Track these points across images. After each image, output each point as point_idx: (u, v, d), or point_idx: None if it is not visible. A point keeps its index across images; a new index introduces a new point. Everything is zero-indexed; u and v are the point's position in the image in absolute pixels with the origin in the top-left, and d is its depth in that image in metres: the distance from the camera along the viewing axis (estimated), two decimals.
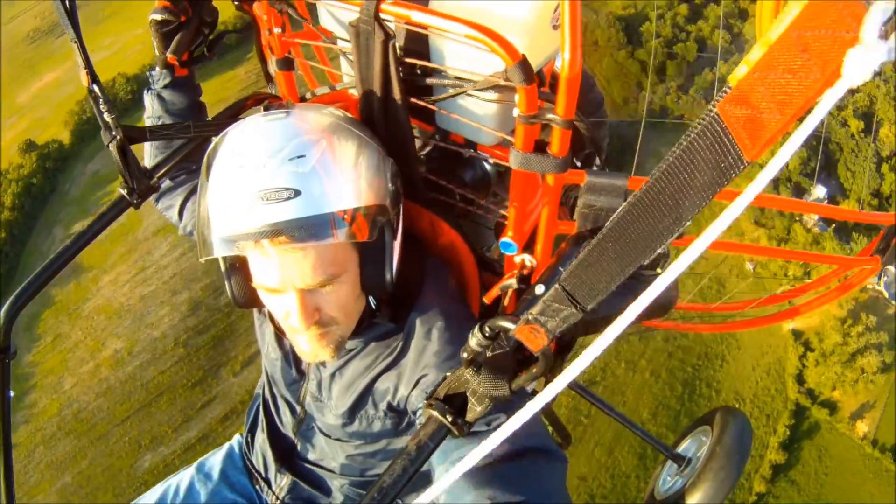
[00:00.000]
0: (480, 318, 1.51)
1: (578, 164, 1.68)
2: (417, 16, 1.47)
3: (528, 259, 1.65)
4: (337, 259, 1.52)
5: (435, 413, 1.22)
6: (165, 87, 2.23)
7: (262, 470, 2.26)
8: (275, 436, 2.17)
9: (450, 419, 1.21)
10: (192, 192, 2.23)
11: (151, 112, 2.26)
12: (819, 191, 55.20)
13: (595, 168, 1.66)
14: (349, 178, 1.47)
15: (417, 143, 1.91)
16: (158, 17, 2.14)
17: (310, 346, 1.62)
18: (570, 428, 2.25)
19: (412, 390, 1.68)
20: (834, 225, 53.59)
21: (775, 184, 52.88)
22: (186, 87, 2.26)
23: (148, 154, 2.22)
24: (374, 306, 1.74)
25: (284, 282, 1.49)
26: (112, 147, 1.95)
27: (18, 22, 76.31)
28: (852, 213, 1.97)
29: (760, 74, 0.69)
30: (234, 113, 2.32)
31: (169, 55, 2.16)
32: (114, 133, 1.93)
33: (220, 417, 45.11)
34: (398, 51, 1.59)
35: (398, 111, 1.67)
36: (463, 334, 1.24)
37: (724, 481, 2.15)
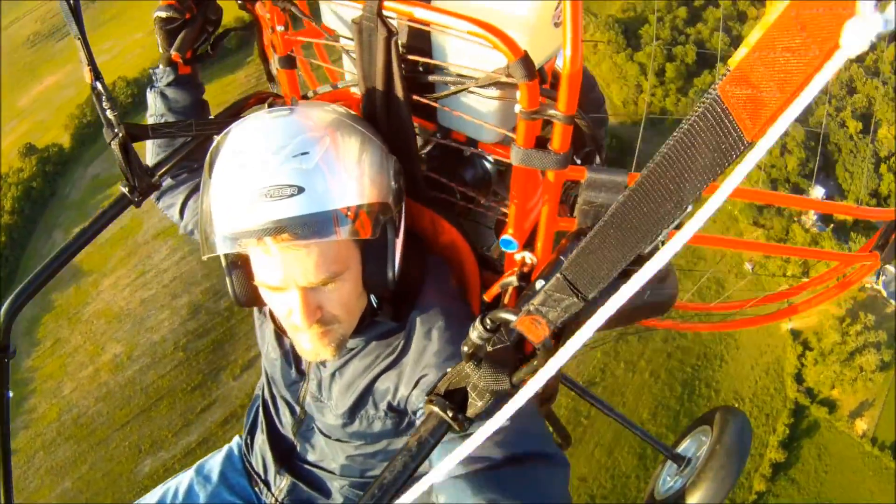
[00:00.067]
0: None
1: (578, 161, 1.70)
2: (420, 12, 1.47)
3: (528, 256, 1.64)
4: (339, 257, 1.51)
5: (436, 409, 1.22)
6: (169, 84, 2.22)
7: (261, 472, 2.24)
8: (274, 437, 2.16)
9: (450, 415, 1.20)
10: (194, 190, 2.23)
11: (154, 109, 2.26)
12: (817, 191, 55.34)
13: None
14: (352, 176, 1.47)
15: (418, 141, 1.91)
16: (163, 14, 2.14)
17: (311, 345, 1.61)
18: (569, 429, 2.29)
19: (412, 390, 1.66)
20: (832, 225, 53.73)
21: (774, 185, 53.00)
22: (189, 85, 2.26)
23: (150, 152, 2.22)
24: (375, 305, 1.73)
25: (287, 279, 1.48)
26: (114, 144, 1.94)
27: (18, 26, 76.40)
28: (852, 209, 1.98)
29: (760, 54, 0.69)
30: (235, 112, 2.31)
31: (173, 52, 2.16)
32: (116, 130, 1.93)
33: (220, 421, 45.04)
34: (400, 48, 1.58)
35: (400, 108, 1.65)
36: (464, 334, 1.24)
37: (724, 480, 2.16)
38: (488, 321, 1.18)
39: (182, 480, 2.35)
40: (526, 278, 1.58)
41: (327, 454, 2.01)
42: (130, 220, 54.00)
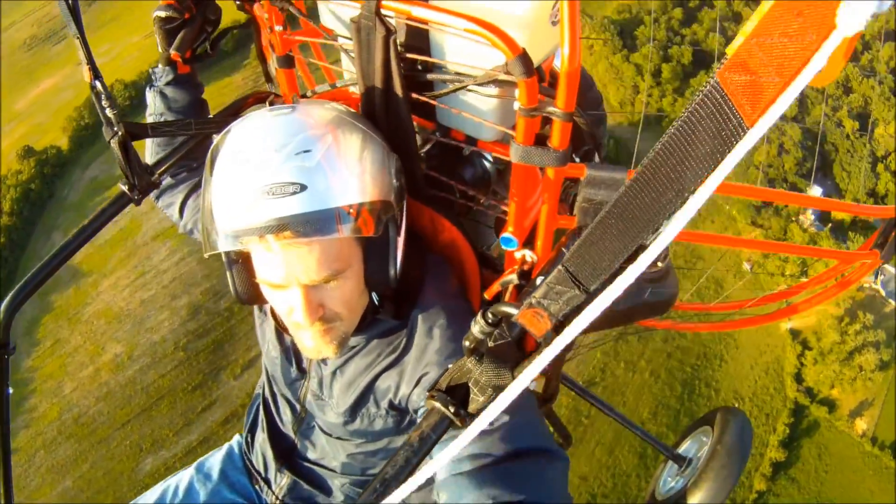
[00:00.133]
0: None
1: (577, 160, 1.69)
2: (418, 11, 1.47)
3: (528, 254, 1.63)
4: (342, 254, 1.50)
5: (437, 404, 1.21)
6: (168, 84, 2.22)
7: (261, 470, 2.23)
8: (275, 435, 2.15)
9: (452, 410, 1.20)
10: (193, 189, 2.23)
11: (154, 109, 2.25)
12: (815, 191, 55.36)
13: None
14: (354, 173, 1.46)
15: (418, 140, 1.89)
16: (163, 13, 2.14)
17: (313, 343, 1.60)
18: (570, 428, 2.32)
19: (414, 388, 1.66)
20: (830, 225, 53.84)
21: (771, 184, 53.03)
22: (189, 85, 2.26)
23: (149, 151, 2.22)
24: (376, 303, 1.73)
25: (289, 277, 1.47)
26: (114, 143, 1.94)
27: (15, 29, 76.42)
28: (852, 207, 1.97)
29: (758, 40, 0.70)
30: (235, 111, 2.31)
31: (172, 52, 2.16)
32: (115, 129, 1.92)
33: (221, 420, 45.05)
34: (399, 47, 1.58)
35: (400, 106, 1.64)
36: (465, 331, 1.24)
37: (725, 480, 2.17)
38: (490, 315, 1.18)
39: (182, 478, 2.34)
40: (526, 276, 1.57)
41: (328, 452, 2.01)
42: (130, 222, 54.05)
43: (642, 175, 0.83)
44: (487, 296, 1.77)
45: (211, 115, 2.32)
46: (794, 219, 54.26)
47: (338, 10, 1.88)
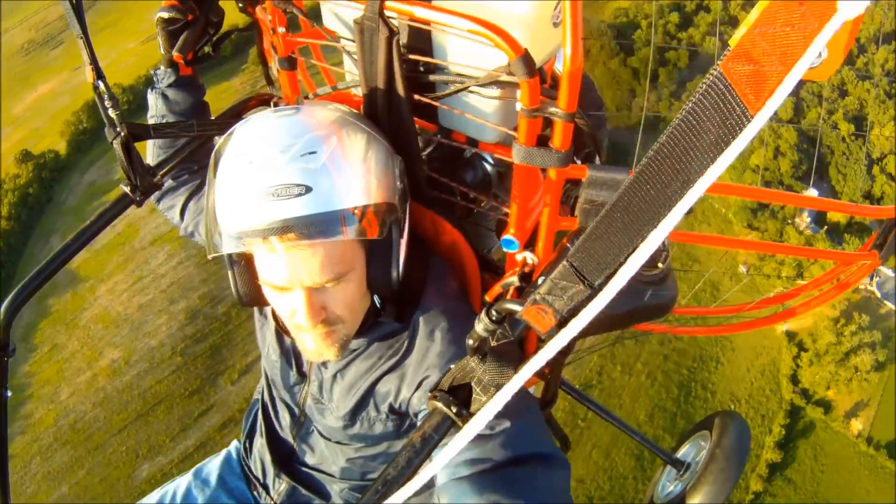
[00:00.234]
0: None
1: (579, 162, 1.68)
2: (421, 12, 1.47)
3: (529, 257, 1.63)
4: (345, 257, 1.50)
5: (439, 404, 1.20)
6: (170, 85, 2.22)
7: (260, 475, 2.22)
8: (273, 440, 2.14)
9: (454, 410, 1.19)
10: (195, 192, 2.22)
11: (155, 111, 2.25)
12: (811, 194, 55.36)
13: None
14: (359, 175, 1.45)
15: (419, 142, 1.88)
16: (166, 14, 2.14)
17: (315, 345, 1.60)
18: (566, 431, 2.31)
19: (415, 392, 1.65)
20: (826, 227, 53.97)
21: (768, 187, 53.10)
22: (190, 87, 2.26)
23: (151, 153, 2.21)
24: (378, 305, 1.73)
25: (292, 279, 1.47)
26: (116, 144, 1.93)
27: (12, 34, 76.16)
28: (852, 208, 1.97)
29: (760, 30, 0.71)
30: (236, 113, 2.33)
31: (175, 54, 2.16)
32: (118, 129, 1.91)
33: (219, 426, 44.73)
34: (401, 48, 1.58)
35: (402, 108, 1.64)
36: (466, 334, 1.25)
37: (724, 483, 2.16)
38: (494, 312, 1.19)
39: (180, 484, 2.34)
40: (527, 278, 1.56)
41: (327, 457, 2.00)
42: (127, 227, 53.80)
43: (647, 168, 0.84)
44: (489, 298, 1.76)
45: (212, 118, 2.33)
46: (789, 221, 54.37)
47: (340, 11, 1.89)
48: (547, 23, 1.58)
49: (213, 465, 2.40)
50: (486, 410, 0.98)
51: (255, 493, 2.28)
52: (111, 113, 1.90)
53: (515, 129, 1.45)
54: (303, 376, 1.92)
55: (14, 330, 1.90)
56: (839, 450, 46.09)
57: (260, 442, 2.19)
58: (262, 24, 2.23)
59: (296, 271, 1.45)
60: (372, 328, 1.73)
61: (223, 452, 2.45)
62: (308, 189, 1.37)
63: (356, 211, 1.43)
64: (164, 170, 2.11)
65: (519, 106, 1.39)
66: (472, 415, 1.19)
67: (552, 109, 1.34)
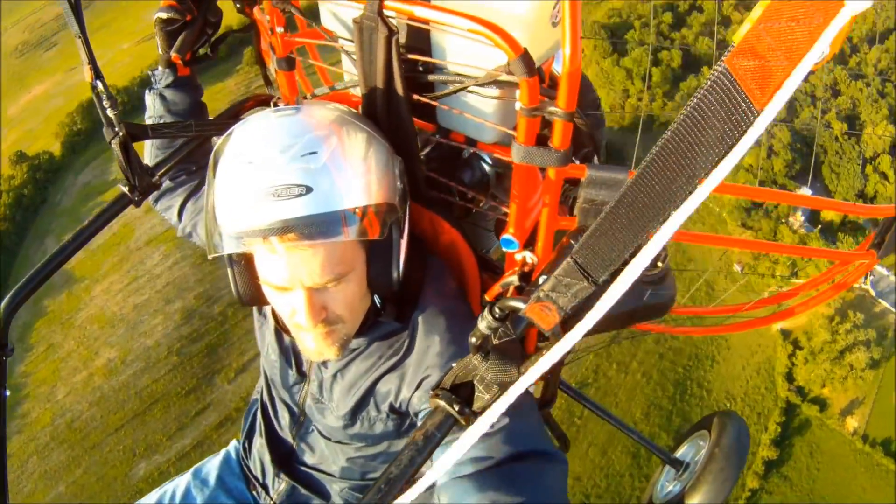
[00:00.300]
0: None
1: (577, 162, 1.68)
2: (420, 11, 1.46)
3: (529, 256, 1.61)
4: (345, 257, 1.49)
5: (442, 403, 1.20)
6: (168, 86, 2.21)
7: (259, 475, 2.22)
8: (273, 439, 2.12)
9: (456, 409, 1.19)
10: (193, 192, 2.21)
11: (153, 111, 2.24)
12: (804, 193, 55.76)
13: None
14: (360, 175, 1.44)
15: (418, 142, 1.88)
16: (164, 15, 2.13)
17: (315, 345, 1.60)
18: (563, 429, 2.31)
19: (414, 392, 1.65)
20: (820, 226, 54.22)
21: (762, 186, 53.19)
22: (188, 87, 2.25)
23: (149, 153, 2.20)
24: (378, 305, 1.73)
25: (293, 279, 1.46)
26: (114, 143, 1.91)
27: (6, 36, 75.89)
28: (851, 207, 1.96)
29: (766, 25, 0.71)
30: (234, 113, 2.32)
31: (173, 54, 2.15)
32: (116, 129, 1.90)
33: (215, 425, 44.73)
34: (400, 48, 1.57)
35: (401, 108, 1.63)
36: (466, 333, 1.24)
37: (723, 483, 2.16)
38: (497, 310, 1.18)
39: (179, 484, 2.33)
40: (527, 278, 1.54)
41: (327, 456, 2.00)
42: (122, 227, 53.76)
43: (652, 164, 0.84)
44: (489, 298, 1.73)
45: (210, 119, 2.31)
46: (783, 220, 54.58)
47: (339, 11, 1.89)
48: (546, 22, 1.58)
49: (212, 465, 2.39)
50: (494, 410, 0.99)
51: (254, 492, 2.28)
52: (109, 113, 1.89)
53: (514, 128, 1.45)
54: (302, 376, 1.92)
55: (10, 330, 1.90)
56: (835, 447, 46.34)
57: (259, 441, 2.19)
58: (259, 24, 2.23)
59: (296, 271, 1.45)
60: (372, 328, 1.72)
61: (222, 452, 2.44)
62: (308, 189, 1.36)
63: (357, 211, 1.42)
64: (163, 170, 2.10)
65: (518, 105, 1.38)
66: (474, 413, 1.19)
67: (551, 109, 1.33)
